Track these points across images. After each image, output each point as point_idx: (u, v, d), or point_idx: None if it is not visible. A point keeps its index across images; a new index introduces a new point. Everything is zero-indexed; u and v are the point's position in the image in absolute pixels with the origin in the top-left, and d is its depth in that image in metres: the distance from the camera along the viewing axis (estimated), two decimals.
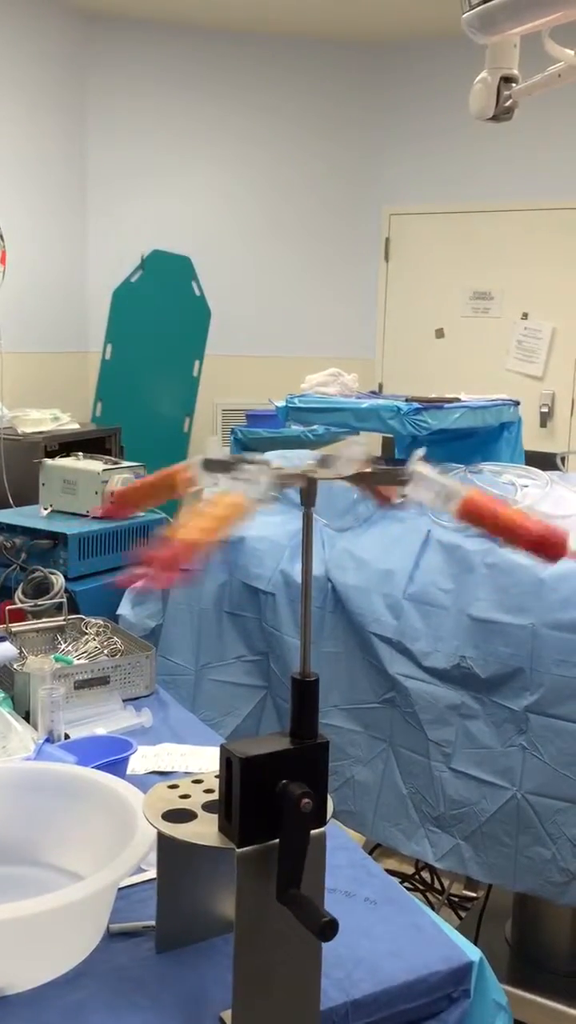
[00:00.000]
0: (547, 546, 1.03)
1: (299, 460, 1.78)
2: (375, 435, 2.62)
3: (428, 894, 2.63)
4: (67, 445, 3.78)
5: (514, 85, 1.99)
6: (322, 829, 1.00)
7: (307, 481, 1.02)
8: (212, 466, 1.09)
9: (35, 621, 2.14)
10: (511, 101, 2.01)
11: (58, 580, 2.33)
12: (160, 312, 4.77)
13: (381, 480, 1.09)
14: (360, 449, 1.06)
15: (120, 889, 1.21)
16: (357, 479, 1.06)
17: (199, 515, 1.00)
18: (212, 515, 1.00)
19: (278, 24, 5.13)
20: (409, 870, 2.67)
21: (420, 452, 1.07)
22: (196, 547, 0.97)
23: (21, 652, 1.95)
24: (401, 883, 2.08)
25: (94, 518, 2.66)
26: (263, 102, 5.37)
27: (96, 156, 5.20)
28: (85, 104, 5.15)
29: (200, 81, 5.26)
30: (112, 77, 5.16)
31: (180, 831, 1.02)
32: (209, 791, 1.10)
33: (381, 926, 1.21)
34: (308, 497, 1.02)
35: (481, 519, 1.05)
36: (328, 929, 0.91)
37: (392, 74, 5.44)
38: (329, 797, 1.03)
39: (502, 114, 2.03)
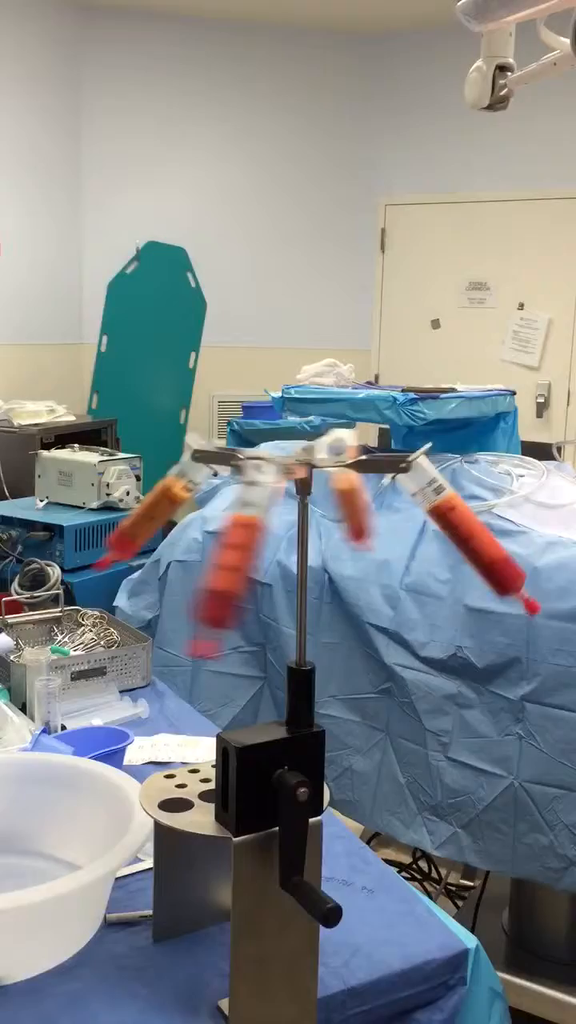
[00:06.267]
0: (499, 576, 1.04)
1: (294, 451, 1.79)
2: (371, 425, 2.62)
3: (426, 883, 2.64)
4: (63, 437, 3.76)
5: (509, 74, 1.98)
6: (319, 818, 1.00)
7: (308, 470, 1.02)
8: (204, 458, 1.09)
9: (31, 613, 2.14)
10: (506, 90, 2.00)
11: (54, 572, 2.33)
12: (156, 303, 4.75)
13: (382, 467, 1.09)
14: (349, 434, 1.06)
15: (117, 879, 1.21)
16: (359, 466, 1.06)
17: (223, 553, 0.97)
18: (236, 547, 0.98)
19: (273, 14, 5.10)
20: (407, 859, 2.68)
21: (427, 445, 1.07)
22: (235, 591, 0.95)
23: (17, 644, 1.95)
24: (399, 872, 2.09)
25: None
26: (258, 93, 5.34)
27: (91, 147, 5.18)
28: (80, 95, 5.12)
29: (194, 72, 5.24)
30: (107, 68, 5.14)
31: (177, 820, 1.02)
32: (206, 780, 1.10)
33: (378, 914, 1.22)
34: (304, 487, 1.02)
35: (448, 524, 1.05)
36: (332, 915, 0.91)
37: (388, 64, 5.42)
38: (326, 786, 1.03)
39: (497, 103, 2.03)
